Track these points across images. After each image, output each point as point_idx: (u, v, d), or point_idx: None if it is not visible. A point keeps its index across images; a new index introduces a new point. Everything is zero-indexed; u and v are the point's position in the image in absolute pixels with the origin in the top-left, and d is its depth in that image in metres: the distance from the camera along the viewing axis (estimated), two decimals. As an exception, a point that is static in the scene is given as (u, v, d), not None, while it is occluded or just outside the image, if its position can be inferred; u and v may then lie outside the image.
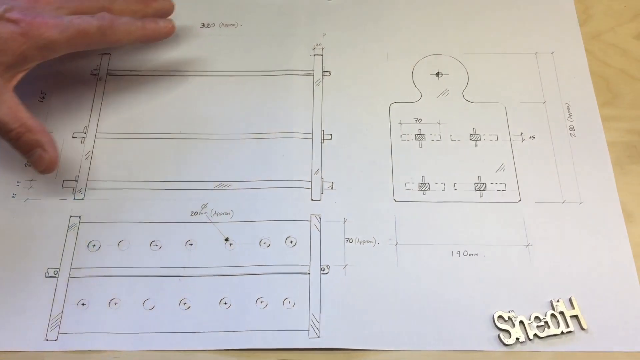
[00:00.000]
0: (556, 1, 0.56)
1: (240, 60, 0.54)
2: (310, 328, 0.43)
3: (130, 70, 0.53)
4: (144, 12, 0.50)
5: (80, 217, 0.47)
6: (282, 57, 0.54)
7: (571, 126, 0.50)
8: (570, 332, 0.43)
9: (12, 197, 0.48)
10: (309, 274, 0.45)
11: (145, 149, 0.50)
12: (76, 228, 0.46)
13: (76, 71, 0.53)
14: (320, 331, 0.43)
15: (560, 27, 0.55)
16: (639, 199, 0.48)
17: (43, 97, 0.52)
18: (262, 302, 0.44)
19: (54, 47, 0.44)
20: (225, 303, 0.44)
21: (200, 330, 0.43)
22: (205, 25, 0.56)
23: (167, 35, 0.50)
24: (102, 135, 0.50)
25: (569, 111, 0.51)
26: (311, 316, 0.43)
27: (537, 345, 0.42)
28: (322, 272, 0.45)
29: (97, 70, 0.53)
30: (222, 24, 0.56)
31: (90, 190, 0.48)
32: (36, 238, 0.46)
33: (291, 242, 0.46)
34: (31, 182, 0.48)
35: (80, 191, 0.48)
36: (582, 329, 0.43)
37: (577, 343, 0.42)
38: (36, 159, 0.44)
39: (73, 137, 0.50)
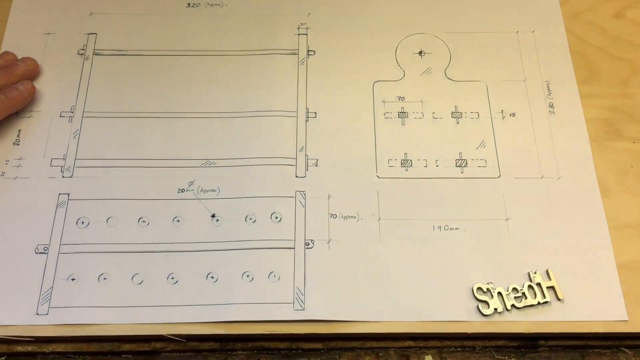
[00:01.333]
0: (537, -20, 0.57)
1: (226, 39, 0.54)
2: (295, 300, 0.44)
3: (117, 50, 0.54)
4: (10, 83, 0.50)
5: (68, 194, 0.48)
6: (267, 36, 0.54)
7: (550, 103, 0.51)
8: (546, 302, 0.44)
9: (1, 175, 0.48)
10: (293, 248, 0.46)
11: (133, 127, 0.50)
12: (65, 205, 0.47)
13: (62, 51, 0.54)
14: (305, 303, 0.44)
15: (540, 6, 0.56)
16: (615, 174, 0.49)
17: (30, 77, 0.52)
18: (248, 276, 0.45)
19: None
20: (212, 277, 0.45)
21: (188, 304, 0.44)
22: (191, 5, 0.56)
23: (31, 97, 0.50)
24: (89, 114, 0.51)
25: (548, 89, 0.52)
26: (296, 289, 0.44)
27: (515, 315, 0.44)
28: (306, 246, 0.46)
29: (83, 50, 0.54)
30: (208, 4, 0.56)
31: (78, 168, 0.49)
32: (26, 215, 0.47)
33: (276, 217, 0.47)
34: (20, 160, 0.49)
35: (68, 169, 0.49)
36: (558, 299, 0.44)
37: (554, 313, 0.44)
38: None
39: (61, 116, 0.51)
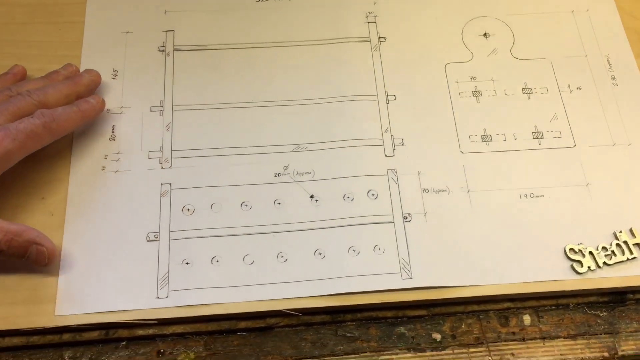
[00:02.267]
0: (586, -38, 0.61)
1: (297, 30, 0.57)
2: (402, 270, 0.47)
3: (196, 45, 0.56)
4: (76, 92, 0.50)
5: (170, 184, 0.50)
6: (337, 26, 0.57)
7: (613, 76, 0.55)
8: (634, 258, 0.47)
9: (102, 169, 0.50)
10: (393, 222, 0.48)
11: (221, 118, 0.52)
12: (168, 194, 0.49)
13: (143, 48, 0.55)
14: (412, 272, 0.46)
15: (591, -15, 0.59)
16: (679, 137, 0.53)
17: (115, 75, 0.54)
18: (354, 250, 0.47)
19: (10, 157, 0.44)
20: (320, 254, 0.47)
21: (299, 280, 0.46)
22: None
23: (102, 109, 0.51)
24: (178, 108, 0.53)
25: (609, 63, 0.56)
26: (401, 260, 0.47)
27: (607, 272, 0.47)
28: (405, 220, 0.48)
29: (163, 47, 0.56)
30: (276, -2, 0.58)
31: (176, 159, 0.51)
32: (132, 206, 0.49)
33: (372, 194, 0.49)
34: (118, 154, 0.51)
35: (166, 160, 0.50)
36: (644, 254, 0.48)
37: (642, 267, 0.47)
38: (35, 255, 0.44)
39: (151, 111, 0.53)
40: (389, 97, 0.54)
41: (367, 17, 0.57)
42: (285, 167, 0.50)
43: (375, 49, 0.56)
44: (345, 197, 0.49)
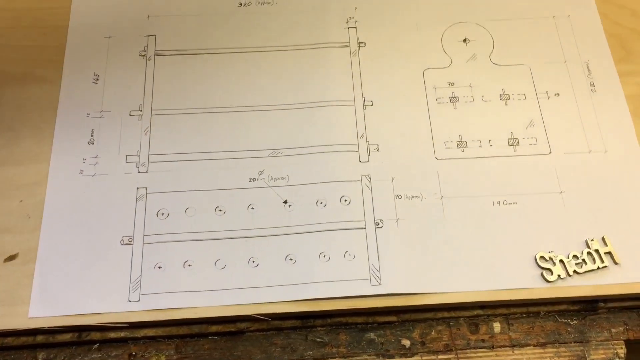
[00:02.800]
0: (569, -33, 0.60)
1: (279, 36, 0.57)
2: (372, 276, 0.47)
3: (177, 50, 0.56)
4: None
5: (146, 188, 0.50)
6: (318, 31, 0.57)
7: (591, 82, 0.55)
8: (605, 267, 0.47)
9: (80, 173, 0.51)
10: (365, 228, 0.49)
11: (199, 122, 0.53)
12: (144, 199, 0.50)
13: (124, 53, 0.56)
14: (381, 279, 0.47)
15: (574, -8, 0.59)
16: (657, 146, 0.52)
17: (97, 79, 0.55)
18: (324, 256, 0.48)
19: None
20: (291, 259, 0.48)
21: (270, 285, 0.47)
22: (243, 4, 0.59)
23: None
24: (157, 112, 0.53)
25: (588, 69, 0.55)
26: (371, 266, 0.47)
27: (577, 281, 0.47)
28: (376, 226, 0.49)
29: (144, 51, 0.56)
30: (259, 2, 0.59)
31: (153, 163, 0.51)
32: (108, 209, 0.49)
33: (345, 200, 0.50)
34: (96, 158, 0.51)
35: (143, 165, 0.51)
36: (616, 263, 0.47)
37: (613, 276, 0.47)
38: None
39: (130, 115, 0.53)
40: (366, 103, 0.54)
41: (347, 22, 0.58)
42: (261, 172, 0.51)
43: (354, 54, 0.56)
44: (318, 203, 0.50)
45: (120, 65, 0.56)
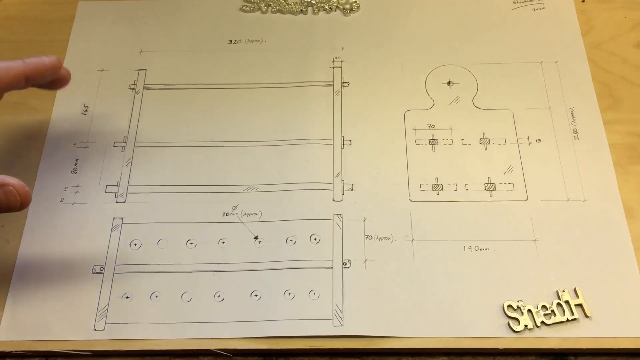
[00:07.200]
0: (560, 13, 0.60)
1: (265, 73, 0.58)
2: (334, 317, 0.47)
3: (165, 84, 0.58)
4: (24, 73, 0.46)
5: (122, 218, 0.51)
6: (304, 69, 0.58)
7: (575, 129, 0.54)
8: (575, 319, 0.46)
9: (60, 201, 0.52)
10: (332, 268, 0.49)
11: (180, 156, 0.54)
12: (119, 229, 0.51)
13: (115, 86, 0.58)
14: (344, 320, 0.46)
15: (563, 38, 0.59)
16: (639, 197, 0.51)
17: (86, 111, 0.57)
18: (289, 294, 0.48)
19: None
20: (256, 295, 0.48)
21: (233, 320, 0.47)
22: (233, 41, 0.60)
23: (55, 67, 0.48)
24: (140, 144, 0.55)
25: (572, 116, 0.55)
26: (335, 306, 0.47)
27: (545, 332, 0.46)
28: (344, 266, 0.49)
29: (134, 85, 0.58)
30: (248, 40, 0.60)
31: (131, 194, 0.52)
32: (83, 238, 0.50)
33: (315, 239, 0.50)
34: (77, 187, 0.53)
35: (121, 195, 0.52)
36: (586, 316, 0.46)
37: (582, 329, 0.46)
38: (6, 198, 0.43)
39: (114, 146, 0.55)
40: (345, 142, 0.54)
41: (333, 62, 0.58)
42: (234, 207, 0.52)
43: (337, 93, 0.57)
44: (288, 240, 0.50)
45: (109, 98, 0.57)
